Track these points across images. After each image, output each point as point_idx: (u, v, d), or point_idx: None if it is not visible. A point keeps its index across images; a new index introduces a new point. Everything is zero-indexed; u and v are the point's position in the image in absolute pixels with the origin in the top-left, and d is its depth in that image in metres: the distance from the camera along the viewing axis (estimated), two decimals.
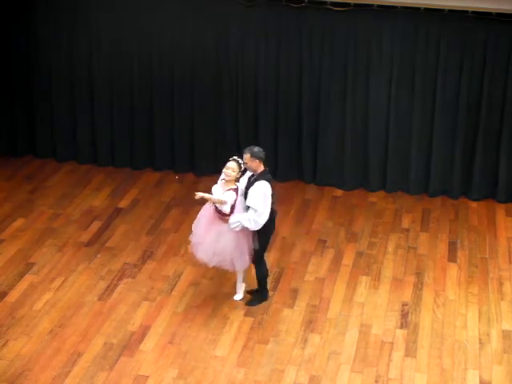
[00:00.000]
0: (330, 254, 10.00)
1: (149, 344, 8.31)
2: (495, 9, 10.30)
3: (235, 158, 8.59)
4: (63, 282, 9.29)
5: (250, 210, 8.44)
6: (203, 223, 8.77)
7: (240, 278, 8.98)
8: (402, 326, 8.68)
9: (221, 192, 8.58)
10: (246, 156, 8.48)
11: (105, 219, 10.65)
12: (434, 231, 10.57)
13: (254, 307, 8.91)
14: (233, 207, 8.55)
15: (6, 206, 10.88)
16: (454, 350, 8.32)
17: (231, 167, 8.51)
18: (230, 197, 8.51)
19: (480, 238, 10.44)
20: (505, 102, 10.84)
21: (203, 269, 9.38)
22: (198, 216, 8.87)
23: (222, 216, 8.60)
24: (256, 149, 8.50)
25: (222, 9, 11.13)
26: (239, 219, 8.48)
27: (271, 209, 8.57)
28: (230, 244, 8.62)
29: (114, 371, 7.91)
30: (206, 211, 8.77)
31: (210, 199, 8.59)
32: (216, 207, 8.60)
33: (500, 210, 11.09)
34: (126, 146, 12.02)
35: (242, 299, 9.03)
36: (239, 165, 8.54)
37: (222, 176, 8.64)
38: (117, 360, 8.06)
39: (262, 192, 8.43)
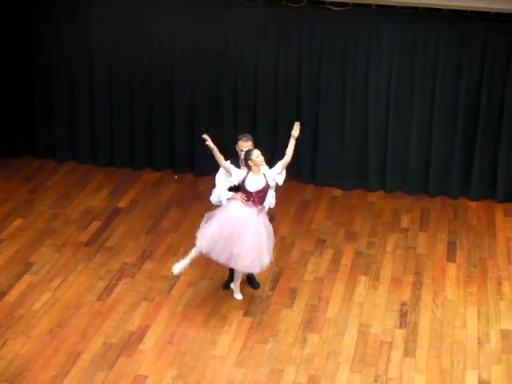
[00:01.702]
0: (329, 253, 10.00)
1: (148, 344, 8.31)
2: (494, 8, 10.30)
3: (251, 148, 8.68)
4: (62, 281, 9.29)
5: (270, 189, 8.74)
6: (250, 232, 8.48)
7: (240, 276, 8.98)
8: (401, 326, 8.68)
9: (257, 180, 8.51)
10: (248, 143, 8.75)
11: (104, 219, 10.65)
12: (433, 231, 10.57)
13: (254, 306, 8.92)
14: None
15: (6, 206, 10.88)
16: (453, 350, 8.32)
17: (259, 153, 8.59)
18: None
19: (479, 237, 10.44)
20: (504, 102, 10.84)
21: (202, 269, 9.39)
22: (235, 231, 8.48)
23: (261, 205, 8.58)
24: (249, 135, 8.87)
25: (222, 9, 11.13)
26: (270, 200, 8.81)
27: None
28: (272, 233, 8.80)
29: (113, 371, 7.91)
30: (245, 216, 8.52)
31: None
32: (259, 198, 8.52)
33: (499, 210, 11.09)
34: (125, 146, 12.03)
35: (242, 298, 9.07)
36: None
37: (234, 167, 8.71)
38: (116, 360, 8.06)
39: None
